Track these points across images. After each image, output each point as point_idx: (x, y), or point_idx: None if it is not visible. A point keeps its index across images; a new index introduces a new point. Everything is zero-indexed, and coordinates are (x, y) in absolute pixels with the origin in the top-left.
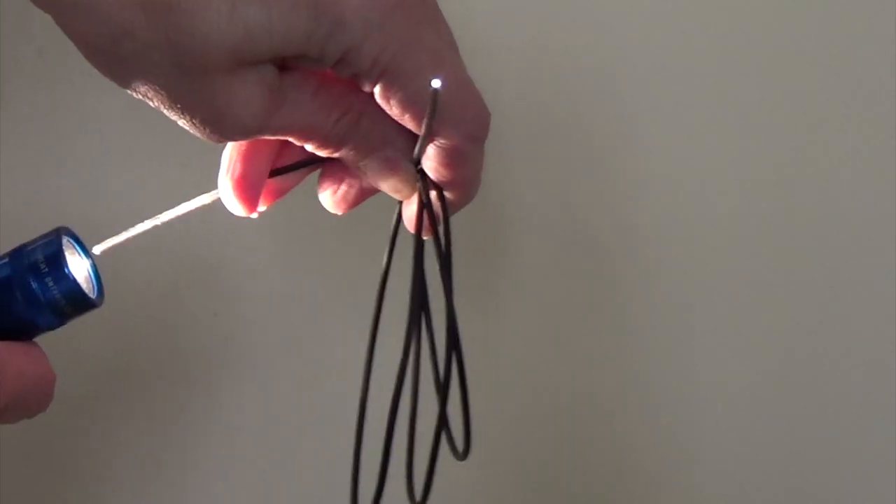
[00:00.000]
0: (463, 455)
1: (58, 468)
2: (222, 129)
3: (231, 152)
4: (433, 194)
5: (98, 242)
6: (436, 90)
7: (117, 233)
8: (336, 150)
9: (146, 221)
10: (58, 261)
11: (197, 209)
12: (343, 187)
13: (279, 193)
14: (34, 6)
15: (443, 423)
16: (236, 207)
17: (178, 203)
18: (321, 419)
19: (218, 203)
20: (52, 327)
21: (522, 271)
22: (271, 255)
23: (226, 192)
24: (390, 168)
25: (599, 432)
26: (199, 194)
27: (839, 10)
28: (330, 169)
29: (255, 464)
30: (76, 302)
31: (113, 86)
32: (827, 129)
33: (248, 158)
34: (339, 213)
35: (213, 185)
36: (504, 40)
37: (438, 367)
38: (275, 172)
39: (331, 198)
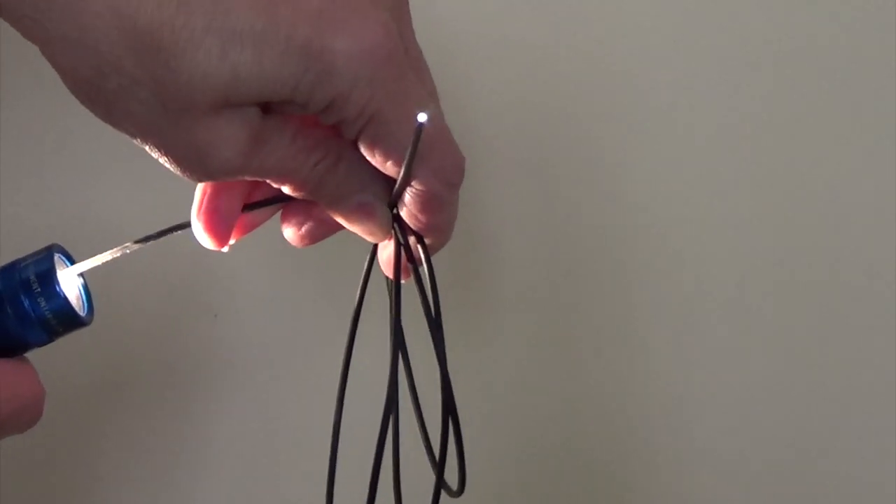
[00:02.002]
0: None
1: (52, 467)
2: (202, 169)
3: (203, 186)
4: (412, 240)
5: (94, 244)
6: (421, 124)
7: (115, 235)
8: (311, 193)
9: (116, 249)
10: (49, 279)
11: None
12: (309, 223)
13: (250, 227)
14: None
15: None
16: (206, 241)
17: (171, 211)
18: (321, 425)
19: None
20: (41, 344)
21: (511, 293)
22: (272, 259)
23: (196, 227)
24: (366, 212)
25: (595, 456)
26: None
27: (839, 10)
28: (297, 203)
29: (255, 468)
30: (66, 320)
31: None
32: (826, 129)
33: (220, 193)
34: (300, 247)
35: None
36: (494, 42)
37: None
38: (247, 207)
39: (295, 233)
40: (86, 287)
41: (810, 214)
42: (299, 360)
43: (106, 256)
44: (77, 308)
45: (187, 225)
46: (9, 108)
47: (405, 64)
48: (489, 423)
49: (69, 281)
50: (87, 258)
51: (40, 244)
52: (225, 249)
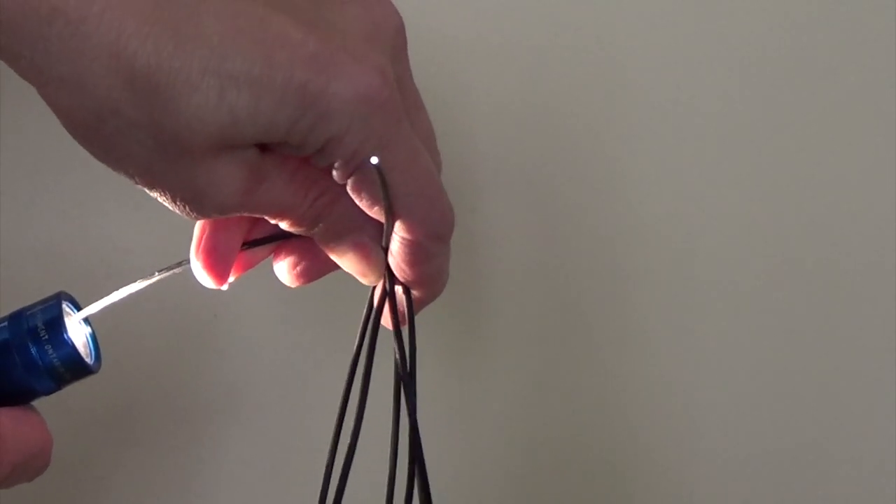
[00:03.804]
0: None
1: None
2: (201, 208)
3: (202, 224)
4: (399, 290)
5: (95, 248)
6: (377, 166)
7: (114, 242)
8: (309, 229)
9: (118, 292)
10: (57, 327)
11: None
12: (304, 263)
13: (249, 265)
14: None
15: None
16: (205, 279)
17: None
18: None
19: None
20: (49, 392)
21: (508, 297)
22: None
23: (195, 265)
24: (360, 252)
25: (597, 457)
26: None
27: (839, 10)
28: (291, 242)
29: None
30: (74, 368)
31: None
32: (827, 129)
33: (219, 231)
34: (295, 286)
35: None
36: (489, 41)
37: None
38: (246, 245)
39: (289, 271)
40: (93, 335)
41: (811, 215)
42: (306, 375)
43: (109, 300)
44: (85, 356)
45: (186, 262)
46: (9, 111)
47: (400, 110)
48: (487, 428)
49: (77, 329)
50: (89, 292)
51: (40, 276)
52: (224, 287)
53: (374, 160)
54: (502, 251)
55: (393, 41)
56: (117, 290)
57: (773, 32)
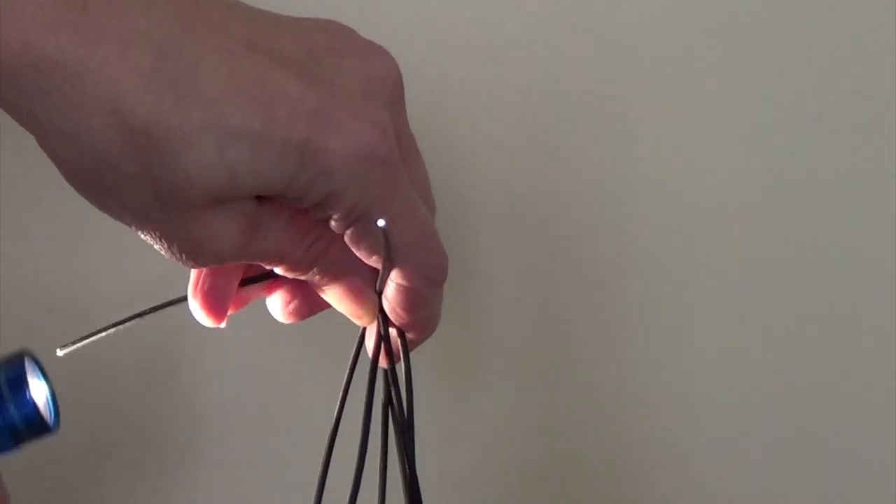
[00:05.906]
0: None
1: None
2: (198, 258)
3: None
4: (393, 332)
5: (94, 254)
6: (384, 229)
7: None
8: (304, 274)
9: (113, 324)
10: (20, 385)
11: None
12: (297, 301)
13: (244, 302)
14: None
15: None
16: (204, 319)
17: None
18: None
19: None
20: (7, 451)
21: (501, 300)
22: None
23: (193, 305)
24: (354, 295)
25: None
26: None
27: (840, 9)
28: (284, 281)
29: None
30: (34, 427)
31: None
32: (827, 130)
33: (216, 272)
34: (287, 322)
35: None
36: (485, 41)
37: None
38: (243, 282)
39: (283, 309)
40: (53, 394)
41: (810, 216)
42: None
43: (103, 333)
44: (45, 416)
45: (184, 300)
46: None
47: (399, 165)
48: (483, 433)
49: (38, 387)
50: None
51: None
52: (222, 325)
53: (381, 223)
54: (497, 254)
55: (391, 93)
56: (110, 323)
57: (771, 33)
